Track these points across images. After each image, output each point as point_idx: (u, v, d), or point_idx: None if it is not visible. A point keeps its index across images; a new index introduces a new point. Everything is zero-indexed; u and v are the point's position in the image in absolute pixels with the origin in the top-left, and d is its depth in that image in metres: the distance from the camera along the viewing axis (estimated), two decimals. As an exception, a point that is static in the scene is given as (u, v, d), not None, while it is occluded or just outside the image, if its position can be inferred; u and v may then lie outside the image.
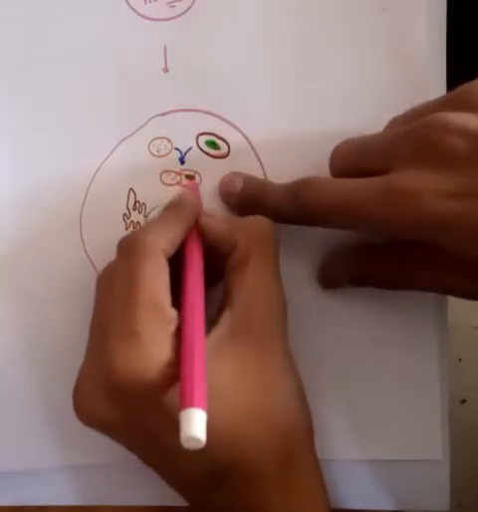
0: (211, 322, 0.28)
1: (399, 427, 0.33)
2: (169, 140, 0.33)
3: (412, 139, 0.27)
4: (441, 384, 0.33)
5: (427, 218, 0.25)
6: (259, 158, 0.33)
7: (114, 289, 0.28)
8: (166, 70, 0.33)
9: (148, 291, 0.27)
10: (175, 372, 0.25)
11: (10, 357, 0.33)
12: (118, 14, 0.33)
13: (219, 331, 0.27)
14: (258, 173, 0.33)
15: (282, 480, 0.27)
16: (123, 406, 0.27)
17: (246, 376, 0.27)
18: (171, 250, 0.29)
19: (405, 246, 0.29)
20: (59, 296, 0.33)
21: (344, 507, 0.33)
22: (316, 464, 0.29)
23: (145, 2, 0.33)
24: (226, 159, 0.33)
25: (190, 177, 0.33)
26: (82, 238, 0.33)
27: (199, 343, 0.26)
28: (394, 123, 0.30)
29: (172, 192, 0.33)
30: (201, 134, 0.33)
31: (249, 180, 0.32)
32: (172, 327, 0.27)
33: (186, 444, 0.23)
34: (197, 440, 0.23)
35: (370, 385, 0.33)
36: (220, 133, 0.33)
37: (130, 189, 0.33)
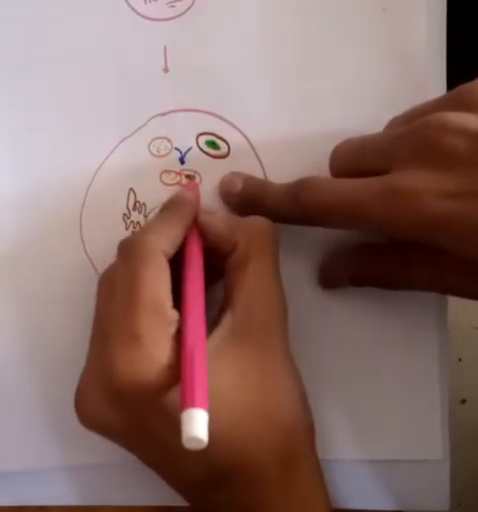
0: (212, 323, 0.28)
1: (399, 427, 0.33)
2: (169, 140, 0.33)
3: (412, 139, 0.27)
4: (441, 384, 0.33)
5: (427, 218, 0.25)
6: (259, 158, 0.33)
7: (114, 292, 0.28)
8: (166, 70, 0.33)
9: (149, 293, 0.27)
10: (177, 373, 0.25)
11: (10, 357, 0.33)
12: (118, 14, 0.33)
13: (220, 332, 0.27)
14: (258, 173, 0.33)
15: (283, 481, 0.27)
16: (125, 409, 0.27)
17: (247, 376, 0.27)
18: (172, 250, 0.29)
19: (405, 246, 0.29)
20: (59, 296, 0.33)
21: (344, 507, 0.33)
22: (317, 465, 0.29)
23: (145, 2, 0.33)
24: (226, 159, 0.33)
25: (190, 177, 0.33)
26: (82, 238, 0.33)
27: (200, 344, 0.26)
28: (394, 123, 0.30)
29: (172, 192, 0.33)
30: (201, 134, 0.33)
31: (249, 180, 0.32)
32: (173, 328, 0.27)
33: (188, 445, 0.23)
34: (199, 441, 0.23)
35: (370, 385, 0.33)
36: (220, 133, 0.33)
37: (130, 189, 0.33)
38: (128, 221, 0.33)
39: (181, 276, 0.29)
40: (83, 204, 0.33)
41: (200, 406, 0.23)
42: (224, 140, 0.33)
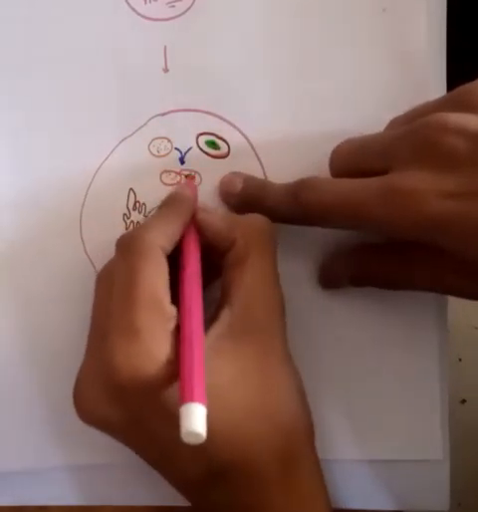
0: (210, 320, 0.28)
1: (399, 427, 0.33)
2: (169, 140, 0.33)
3: (412, 140, 0.27)
4: (441, 384, 0.33)
5: (427, 218, 0.26)
6: (259, 158, 0.33)
7: (113, 287, 0.28)
8: (166, 70, 0.33)
9: (148, 289, 0.27)
10: (175, 369, 0.25)
11: (10, 357, 0.33)
12: (118, 14, 0.33)
13: (218, 329, 0.27)
14: (258, 173, 0.33)
15: (283, 481, 0.27)
16: (124, 404, 0.27)
17: (246, 374, 0.27)
18: (169, 247, 0.29)
19: (405, 246, 0.29)
20: (59, 296, 0.33)
21: (344, 507, 0.33)
22: (317, 465, 0.29)
23: (145, 2, 0.33)
24: (226, 159, 0.33)
25: (190, 177, 0.33)
26: (82, 238, 0.33)
27: (198, 339, 0.26)
28: (394, 123, 0.30)
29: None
30: (201, 134, 0.33)
31: (249, 180, 0.32)
32: (172, 324, 0.27)
33: (187, 439, 0.23)
34: (197, 435, 0.23)
35: (370, 385, 0.33)
36: (220, 133, 0.33)
37: (130, 189, 0.33)
38: (128, 221, 0.33)
39: (179, 273, 0.29)
40: (83, 204, 0.33)
41: (199, 401, 0.23)
42: (224, 140, 0.33)
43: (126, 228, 0.33)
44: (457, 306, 0.34)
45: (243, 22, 0.33)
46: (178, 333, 0.26)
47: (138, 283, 0.27)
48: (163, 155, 0.33)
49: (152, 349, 0.26)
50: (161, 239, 0.28)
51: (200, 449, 0.23)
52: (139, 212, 0.33)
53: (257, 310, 0.28)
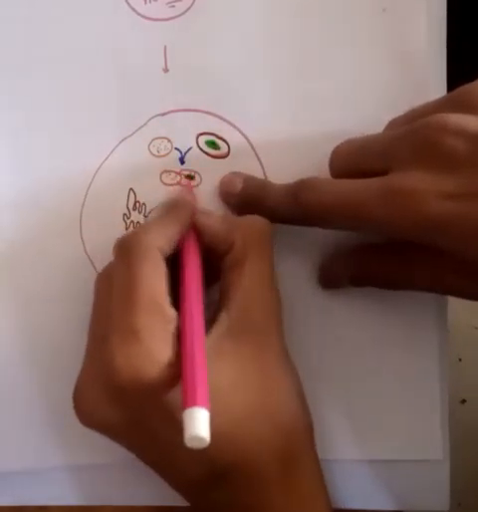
0: (209, 322, 0.28)
1: (399, 427, 0.33)
2: (169, 140, 0.33)
3: (412, 140, 0.27)
4: (441, 383, 0.33)
5: (426, 219, 0.26)
6: (259, 158, 0.33)
7: (112, 289, 0.28)
8: (166, 70, 0.33)
9: (147, 291, 0.27)
10: (176, 371, 0.25)
11: (10, 356, 0.33)
12: (118, 14, 0.33)
13: (217, 330, 0.27)
14: (258, 173, 0.33)
15: (283, 480, 0.27)
16: (125, 406, 0.27)
17: (246, 375, 0.27)
18: (168, 249, 0.29)
19: (405, 246, 0.29)
20: (59, 296, 0.33)
21: (344, 507, 0.33)
22: (317, 464, 0.29)
23: (145, 2, 0.33)
24: (226, 159, 0.33)
25: (190, 177, 0.33)
26: (82, 238, 0.33)
27: (199, 342, 0.26)
28: (394, 123, 0.30)
29: (172, 192, 0.33)
30: (201, 134, 0.33)
31: (249, 180, 0.32)
32: (172, 326, 0.27)
33: (190, 444, 0.23)
34: (201, 439, 0.23)
35: (370, 385, 0.33)
36: (220, 133, 0.33)
37: (130, 189, 0.33)
38: (128, 221, 0.33)
39: (180, 276, 0.29)
40: (83, 204, 0.33)
41: (202, 405, 0.23)
42: (224, 140, 0.33)
43: (127, 228, 0.33)
44: (457, 306, 0.34)
45: (243, 22, 0.33)
46: (179, 335, 0.26)
47: (137, 286, 0.27)
48: (163, 155, 0.33)
49: (153, 350, 0.26)
50: (160, 241, 0.28)
51: (201, 451, 0.23)
52: (139, 212, 0.33)
53: (255, 312, 0.28)
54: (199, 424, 0.23)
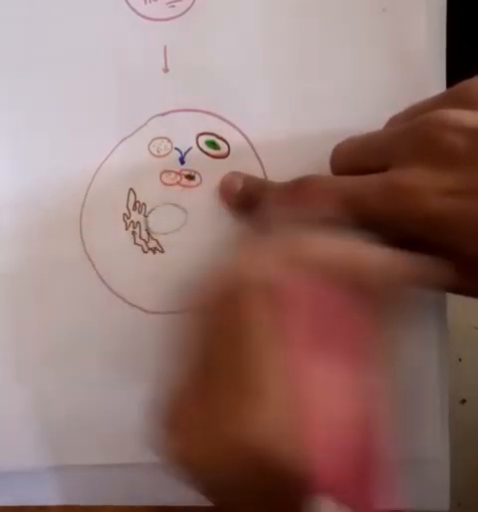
0: None
1: (399, 427, 0.33)
2: (169, 140, 0.33)
3: (412, 137, 0.27)
4: (441, 383, 0.33)
5: (426, 215, 0.25)
6: (259, 158, 0.33)
7: (222, 331, 0.24)
8: (166, 70, 0.33)
9: (266, 350, 0.23)
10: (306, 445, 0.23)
11: (9, 356, 0.33)
12: (118, 14, 0.33)
13: None
14: (258, 173, 0.33)
15: None
16: (245, 480, 0.24)
17: None
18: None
19: (404, 243, 0.29)
20: (59, 296, 0.33)
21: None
22: None
23: (145, 2, 0.33)
24: (226, 159, 0.33)
25: (190, 177, 0.33)
26: (82, 238, 0.33)
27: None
28: (395, 120, 0.30)
29: (172, 192, 0.33)
30: (201, 134, 0.33)
31: (249, 180, 0.32)
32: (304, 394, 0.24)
33: None
34: None
35: (370, 385, 0.33)
36: (220, 133, 0.33)
37: (130, 189, 0.33)
38: (128, 221, 0.33)
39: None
40: (83, 204, 0.33)
41: None
42: (224, 140, 0.33)
43: (126, 228, 0.33)
44: (457, 306, 0.34)
45: (243, 22, 0.33)
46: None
47: (252, 343, 0.23)
48: (163, 155, 0.33)
49: (284, 419, 0.23)
50: (276, 274, 0.24)
51: None
52: (139, 212, 0.33)
53: None
54: None
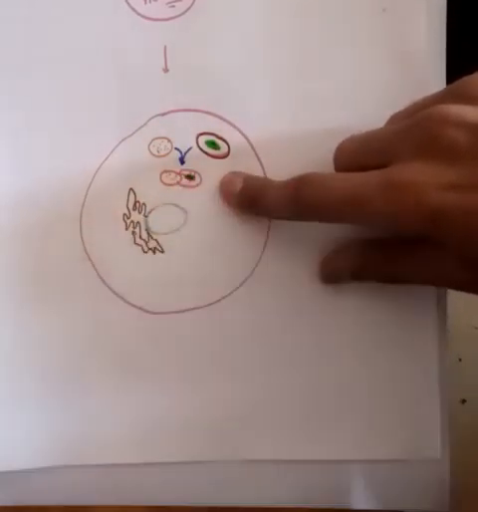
0: None
1: (399, 427, 0.33)
2: (169, 140, 0.33)
3: (414, 133, 0.27)
4: (441, 383, 0.33)
5: (426, 211, 0.25)
6: (259, 158, 0.33)
7: None
8: (166, 70, 0.33)
9: None
10: None
11: (10, 356, 0.33)
12: (118, 14, 0.33)
13: None
14: (258, 173, 0.33)
15: None
16: None
17: None
18: None
19: (406, 239, 0.29)
20: (59, 296, 0.33)
21: (344, 507, 0.33)
22: None
23: (145, 2, 0.33)
24: (226, 159, 0.33)
25: (190, 177, 0.33)
26: (82, 238, 0.33)
27: None
28: (395, 118, 0.30)
29: (172, 192, 0.33)
30: (201, 134, 0.33)
31: (249, 180, 0.32)
32: None
33: None
34: None
35: (370, 385, 0.33)
36: (220, 133, 0.33)
37: (130, 189, 0.33)
38: (128, 221, 0.33)
39: None
40: (83, 204, 0.33)
41: None
42: (224, 140, 0.33)
43: (126, 228, 0.33)
44: (457, 306, 0.34)
45: (243, 22, 0.33)
46: None
47: None
48: (163, 155, 0.33)
49: None
50: None
51: None
52: (139, 212, 0.33)
53: None
54: None
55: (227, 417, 0.33)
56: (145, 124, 0.33)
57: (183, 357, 0.33)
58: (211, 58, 0.33)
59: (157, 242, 0.33)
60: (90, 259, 0.33)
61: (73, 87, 0.33)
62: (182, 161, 0.33)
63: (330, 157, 0.31)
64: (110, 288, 0.33)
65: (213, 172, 0.33)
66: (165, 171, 0.33)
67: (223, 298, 0.33)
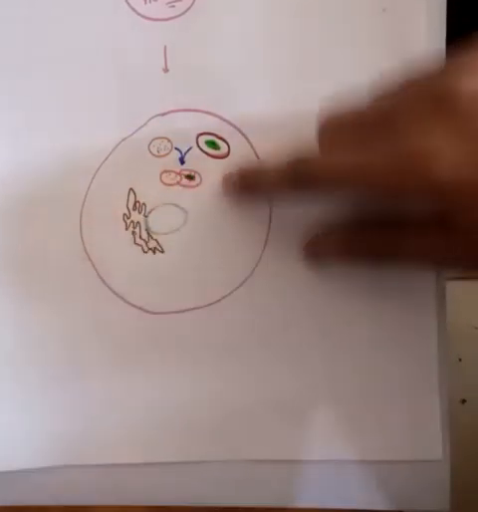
0: None
1: (399, 427, 0.33)
2: (169, 140, 0.33)
3: (424, 104, 0.25)
4: (441, 384, 0.33)
5: (436, 184, 0.24)
6: (259, 158, 0.33)
7: None
8: (166, 70, 0.33)
9: None
10: None
11: (10, 356, 0.33)
12: (118, 14, 0.33)
13: None
14: (258, 173, 0.33)
15: None
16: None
17: None
18: None
19: (392, 220, 0.28)
20: (59, 296, 0.33)
21: (344, 507, 0.33)
22: None
23: (145, 2, 0.33)
24: (226, 159, 0.33)
25: (190, 177, 0.33)
26: (82, 238, 0.33)
27: None
28: (385, 95, 0.28)
29: (172, 192, 0.33)
30: (201, 134, 0.33)
31: (244, 169, 0.32)
32: None
33: None
34: None
35: (370, 386, 0.33)
36: (220, 133, 0.33)
37: (130, 189, 0.33)
38: (128, 221, 0.33)
39: None
40: (83, 204, 0.33)
41: None
42: (224, 140, 0.33)
43: (126, 228, 0.33)
44: (457, 306, 0.34)
45: (243, 22, 0.33)
46: None
47: None
48: (163, 155, 0.33)
49: None
50: None
51: None
52: (139, 212, 0.33)
53: None
54: None
55: (227, 417, 0.33)
56: (145, 123, 0.33)
57: (183, 357, 0.33)
58: (211, 58, 0.33)
59: (157, 242, 0.33)
60: (90, 259, 0.33)
61: (73, 87, 0.33)
62: (182, 161, 0.33)
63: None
64: (110, 288, 0.33)
65: (213, 172, 0.33)
66: (165, 171, 0.33)
67: (223, 298, 0.33)
